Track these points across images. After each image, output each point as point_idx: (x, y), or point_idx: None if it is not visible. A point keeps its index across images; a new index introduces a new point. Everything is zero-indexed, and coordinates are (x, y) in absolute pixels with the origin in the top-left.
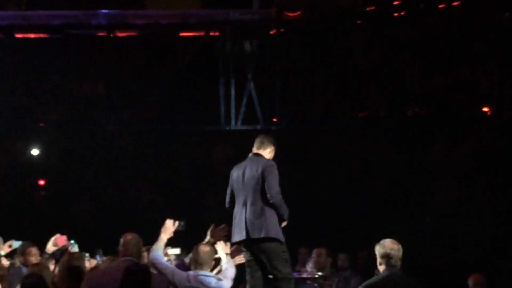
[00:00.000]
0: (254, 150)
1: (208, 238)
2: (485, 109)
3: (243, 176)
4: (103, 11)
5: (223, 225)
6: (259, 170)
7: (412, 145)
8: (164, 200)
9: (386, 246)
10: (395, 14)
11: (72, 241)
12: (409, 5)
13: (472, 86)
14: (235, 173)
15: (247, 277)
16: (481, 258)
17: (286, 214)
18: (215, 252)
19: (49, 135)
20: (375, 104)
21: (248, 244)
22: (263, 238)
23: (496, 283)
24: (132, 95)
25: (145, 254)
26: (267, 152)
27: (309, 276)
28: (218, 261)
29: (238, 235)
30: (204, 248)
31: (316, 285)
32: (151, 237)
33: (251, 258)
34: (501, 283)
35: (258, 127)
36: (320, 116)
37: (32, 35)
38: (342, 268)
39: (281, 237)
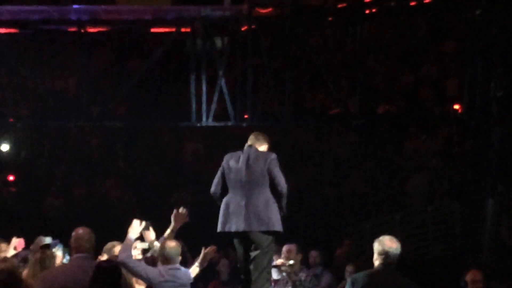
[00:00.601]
0: (251, 143)
1: (172, 224)
2: (456, 107)
3: (245, 168)
4: (75, 6)
5: (183, 209)
6: (264, 163)
7: (383, 142)
8: (134, 196)
9: (384, 244)
10: (367, 11)
11: (58, 245)
12: (380, 2)
13: (443, 84)
14: (232, 162)
15: (242, 274)
16: (451, 254)
17: (285, 207)
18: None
19: (19, 131)
20: (346, 101)
21: (245, 236)
22: (265, 231)
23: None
24: (102, 91)
25: (115, 249)
26: (264, 147)
27: (280, 264)
28: None
29: (235, 225)
30: (170, 244)
31: (284, 274)
32: (121, 233)
33: (243, 251)
34: None
35: (229, 123)
36: (291, 112)
37: (2, 30)
38: (313, 264)
39: (282, 230)
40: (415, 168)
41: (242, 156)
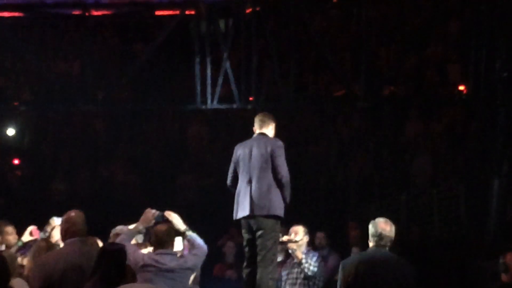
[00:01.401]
0: (257, 129)
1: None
2: (461, 88)
3: (250, 155)
4: None
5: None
6: (268, 149)
7: (388, 123)
8: (139, 180)
9: (378, 226)
10: None
11: None
12: None
13: (448, 65)
14: (240, 151)
15: (247, 255)
16: (456, 235)
17: (289, 196)
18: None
19: (24, 115)
20: (350, 84)
21: (250, 221)
22: (267, 215)
23: (471, 259)
24: (107, 75)
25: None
26: (270, 130)
27: (286, 240)
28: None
29: (242, 212)
30: (161, 228)
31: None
32: (126, 217)
33: (250, 237)
34: (476, 259)
35: (234, 106)
36: (296, 95)
37: (6, 14)
38: (319, 246)
39: (283, 215)
40: (420, 150)
41: (249, 144)
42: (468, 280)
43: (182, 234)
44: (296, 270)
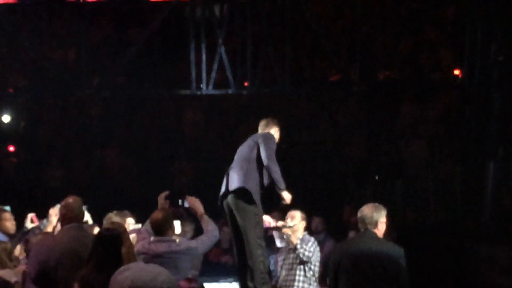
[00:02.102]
0: (259, 132)
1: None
2: (456, 72)
3: (241, 145)
4: None
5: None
6: (255, 140)
7: (383, 108)
8: (135, 165)
9: (362, 210)
10: None
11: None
12: None
13: (443, 49)
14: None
15: (232, 235)
16: (452, 219)
17: (280, 182)
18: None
19: (19, 101)
20: (346, 68)
21: (227, 202)
22: (239, 189)
23: (466, 244)
24: (102, 61)
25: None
26: (273, 132)
27: (280, 226)
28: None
29: (221, 190)
30: (157, 215)
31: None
32: (122, 203)
33: (231, 220)
34: (472, 244)
35: (230, 91)
36: (291, 80)
37: (0, 1)
38: (316, 231)
39: (257, 198)
40: (415, 134)
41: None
42: (464, 263)
43: (199, 217)
44: (292, 255)
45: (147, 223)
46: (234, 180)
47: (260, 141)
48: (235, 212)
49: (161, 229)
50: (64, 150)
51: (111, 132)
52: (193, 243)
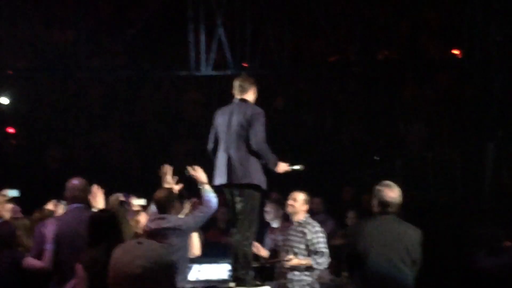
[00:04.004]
0: (238, 95)
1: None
2: (456, 52)
3: (229, 123)
4: None
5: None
6: (247, 117)
7: (383, 89)
8: (135, 146)
9: (384, 194)
10: None
11: None
12: None
13: (442, 29)
14: (220, 117)
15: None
16: (452, 200)
17: (272, 161)
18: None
19: (18, 83)
20: (345, 48)
21: (229, 189)
22: (246, 184)
23: (467, 223)
24: (101, 42)
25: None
26: (251, 95)
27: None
28: None
29: (219, 178)
30: (160, 193)
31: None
32: (121, 184)
33: (232, 201)
34: (472, 223)
35: (229, 72)
36: (290, 61)
37: None
38: (315, 212)
39: (264, 185)
40: (414, 115)
41: (228, 111)
42: (463, 244)
43: (200, 186)
44: (297, 238)
45: None
46: (240, 173)
47: (253, 120)
48: (239, 199)
49: (163, 207)
50: (64, 132)
51: (110, 113)
52: (183, 219)
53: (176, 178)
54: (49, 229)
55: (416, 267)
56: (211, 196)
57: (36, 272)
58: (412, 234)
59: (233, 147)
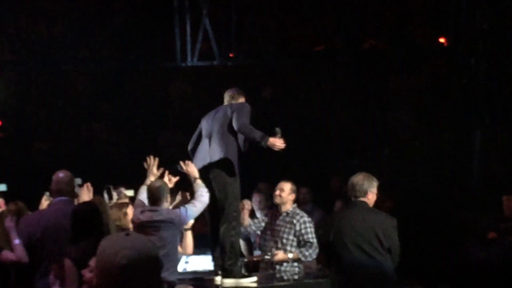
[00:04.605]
0: (225, 103)
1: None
2: (442, 40)
3: (214, 117)
4: None
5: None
6: (232, 108)
7: (369, 77)
8: (122, 138)
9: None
10: None
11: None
12: None
13: (428, 17)
14: (205, 119)
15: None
16: (439, 187)
17: (259, 136)
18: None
19: (5, 76)
20: (331, 37)
21: (207, 171)
22: (220, 160)
23: (455, 211)
24: (88, 34)
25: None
26: (239, 100)
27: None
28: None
29: (200, 161)
30: (154, 184)
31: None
32: (109, 175)
33: (208, 185)
34: (460, 211)
35: (215, 63)
36: (276, 50)
37: None
38: (303, 201)
39: (236, 170)
40: (402, 103)
41: (213, 111)
42: (452, 231)
43: (192, 181)
44: (286, 229)
45: (142, 190)
46: (215, 151)
47: (236, 109)
48: (214, 184)
49: (154, 198)
50: (51, 124)
51: (98, 105)
52: (176, 213)
53: (162, 169)
54: (12, 225)
55: (393, 255)
56: (203, 191)
57: (11, 265)
58: (383, 222)
59: (214, 133)
